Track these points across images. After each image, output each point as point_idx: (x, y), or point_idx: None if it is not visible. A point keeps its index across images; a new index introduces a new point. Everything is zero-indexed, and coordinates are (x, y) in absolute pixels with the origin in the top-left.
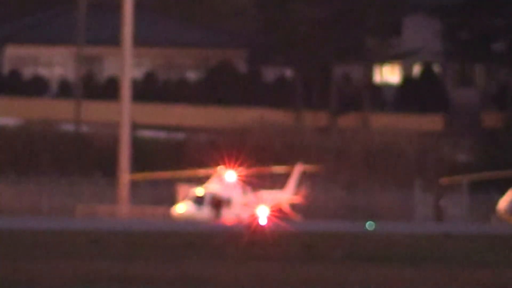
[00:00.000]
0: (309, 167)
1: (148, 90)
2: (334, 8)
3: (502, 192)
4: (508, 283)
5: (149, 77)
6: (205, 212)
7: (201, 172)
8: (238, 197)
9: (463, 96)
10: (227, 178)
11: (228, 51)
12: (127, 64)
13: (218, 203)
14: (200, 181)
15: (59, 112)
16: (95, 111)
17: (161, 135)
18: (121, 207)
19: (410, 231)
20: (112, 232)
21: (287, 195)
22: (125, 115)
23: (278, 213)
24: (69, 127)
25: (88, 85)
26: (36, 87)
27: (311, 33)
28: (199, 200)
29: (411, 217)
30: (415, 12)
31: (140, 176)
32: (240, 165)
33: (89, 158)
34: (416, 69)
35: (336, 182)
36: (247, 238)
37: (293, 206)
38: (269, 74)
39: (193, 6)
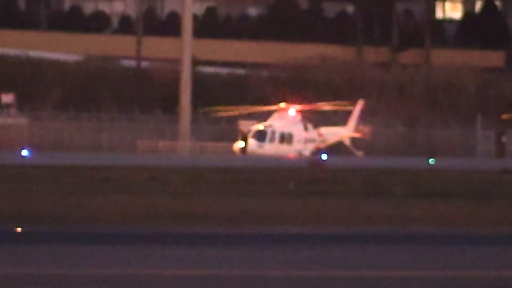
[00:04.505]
0: (370, 103)
1: (209, 26)
2: None
3: None
4: None
5: (210, 13)
6: (267, 148)
7: (263, 108)
8: (299, 133)
9: None
10: (288, 114)
11: None
12: None
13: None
14: (262, 117)
15: (119, 48)
16: (156, 47)
17: (222, 71)
18: (182, 143)
19: (472, 167)
20: (173, 168)
21: (348, 131)
22: (186, 51)
23: (339, 149)
24: (129, 63)
25: (148, 21)
26: (97, 23)
27: None
28: (260, 136)
29: (472, 153)
30: None
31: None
32: (302, 101)
33: (150, 94)
34: (478, 5)
35: (397, 118)
36: (309, 174)
37: (354, 142)
38: (330, 9)
39: None
